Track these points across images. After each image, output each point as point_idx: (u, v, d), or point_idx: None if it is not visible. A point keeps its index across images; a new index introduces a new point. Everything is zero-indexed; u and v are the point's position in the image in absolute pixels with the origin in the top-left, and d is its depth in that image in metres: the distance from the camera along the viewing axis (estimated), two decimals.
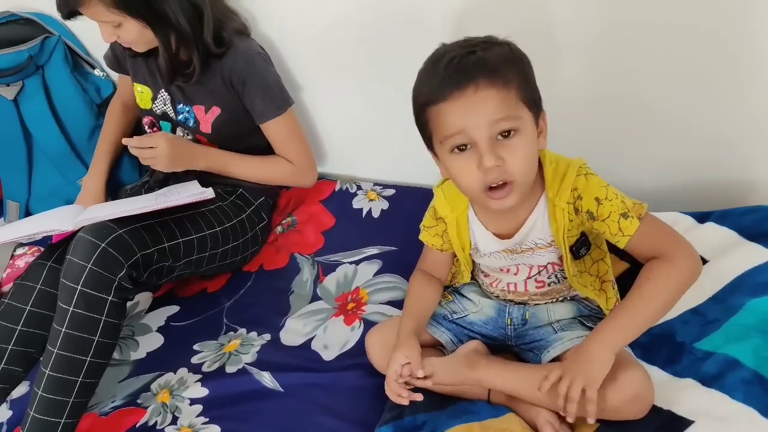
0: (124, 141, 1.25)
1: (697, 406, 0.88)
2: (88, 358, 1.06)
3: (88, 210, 1.21)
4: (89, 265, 1.05)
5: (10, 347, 1.13)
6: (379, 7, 1.28)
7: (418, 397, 0.97)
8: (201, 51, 1.23)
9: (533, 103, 0.87)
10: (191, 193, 1.20)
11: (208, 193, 1.18)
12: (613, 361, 0.86)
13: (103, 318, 1.07)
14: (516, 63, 0.87)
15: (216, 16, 1.24)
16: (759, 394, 0.86)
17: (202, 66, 1.24)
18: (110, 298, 1.07)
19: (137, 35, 1.19)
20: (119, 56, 1.39)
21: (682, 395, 0.89)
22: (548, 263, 1.00)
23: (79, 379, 1.05)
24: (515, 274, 1.03)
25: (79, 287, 1.05)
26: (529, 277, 1.03)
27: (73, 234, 1.12)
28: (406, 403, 0.97)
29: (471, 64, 0.83)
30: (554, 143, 0.94)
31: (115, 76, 1.54)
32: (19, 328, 1.13)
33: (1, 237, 1.23)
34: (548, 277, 1.02)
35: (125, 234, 1.09)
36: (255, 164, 1.35)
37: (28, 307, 1.14)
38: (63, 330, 1.05)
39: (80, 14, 1.17)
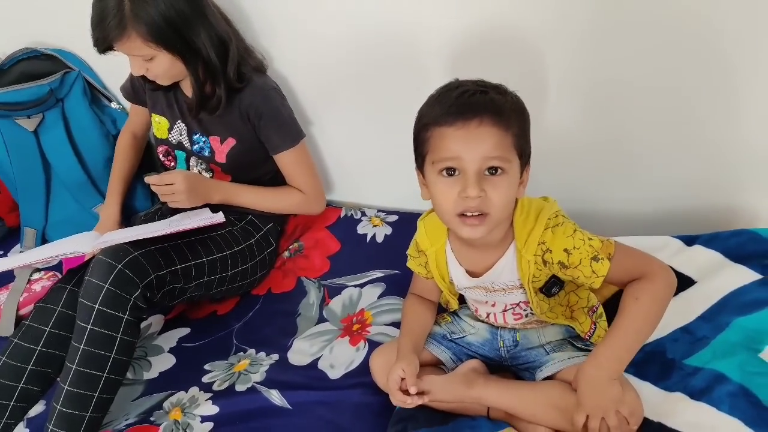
0: (146, 179, 1.31)
1: (686, 418, 0.92)
2: (105, 374, 1.11)
3: (105, 235, 1.26)
4: (106, 285, 1.11)
5: (29, 367, 1.17)
6: (380, 47, 1.36)
7: (422, 399, 1.01)
8: (225, 84, 1.30)
9: (524, 153, 0.93)
10: (202, 217, 1.26)
11: (218, 217, 1.24)
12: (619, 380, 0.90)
13: (119, 336, 1.12)
14: (519, 114, 0.93)
15: (239, 52, 1.32)
16: (744, 407, 0.90)
17: (227, 99, 1.31)
18: (126, 316, 1.12)
19: (167, 68, 1.26)
20: (137, 87, 1.46)
21: (672, 408, 0.94)
22: (519, 302, 1.06)
23: (96, 394, 1.10)
24: (492, 306, 1.09)
25: (96, 306, 1.10)
26: (505, 311, 1.08)
27: (89, 260, 1.17)
28: (410, 403, 1.01)
29: (481, 101, 0.89)
30: (550, 173, 1.00)
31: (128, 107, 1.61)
32: (38, 348, 1.18)
33: (19, 262, 1.29)
34: (523, 311, 1.08)
35: (140, 256, 1.15)
36: (268, 195, 1.41)
37: (48, 329, 1.19)
38: (81, 347, 1.10)
39: (113, 49, 1.23)
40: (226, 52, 1.29)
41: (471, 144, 0.89)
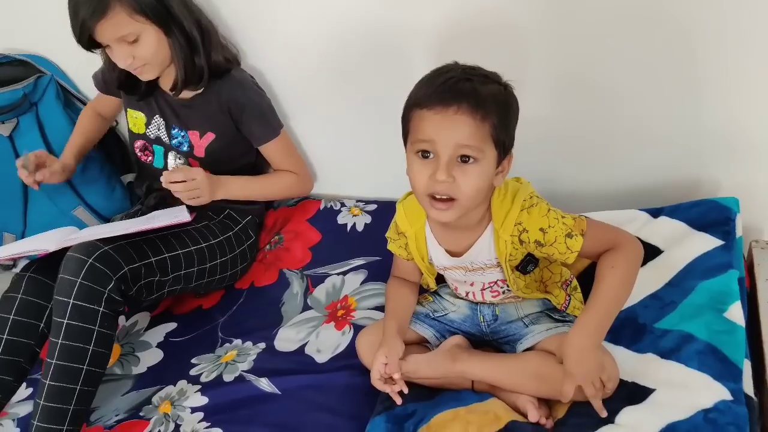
0: (165, 177, 1.28)
1: (657, 376, 0.97)
2: (85, 366, 1.12)
3: (74, 234, 1.27)
4: (79, 280, 1.13)
5: None
6: (354, 39, 1.38)
7: (403, 388, 1.06)
8: (206, 58, 1.31)
9: (502, 145, 0.95)
10: (172, 216, 1.27)
11: (183, 216, 1.25)
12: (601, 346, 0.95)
13: (96, 328, 1.13)
14: (502, 105, 0.94)
15: (216, 41, 1.35)
16: (711, 362, 0.96)
17: (209, 75, 1.32)
18: (101, 309, 1.14)
19: (155, 48, 1.26)
20: (108, 80, 1.45)
21: (645, 368, 0.99)
22: (497, 280, 1.10)
23: (78, 387, 1.12)
24: (471, 285, 1.13)
25: (71, 300, 1.12)
26: (483, 289, 1.12)
27: (61, 253, 1.18)
28: (390, 390, 1.06)
29: (462, 89, 0.91)
30: (527, 155, 1.03)
31: None
32: (5, 337, 1.19)
33: None
34: (500, 288, 1.12)
35: (111, 250, 1.17)
36: (266, 183, 1.45)
37: (11, 316, 1.20)
38: (59, 341, 1.12)
39: (98, 46, 1.23)
40: (202, 31, 1.32)
41: (445, 130, 0.92)
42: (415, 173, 0.96)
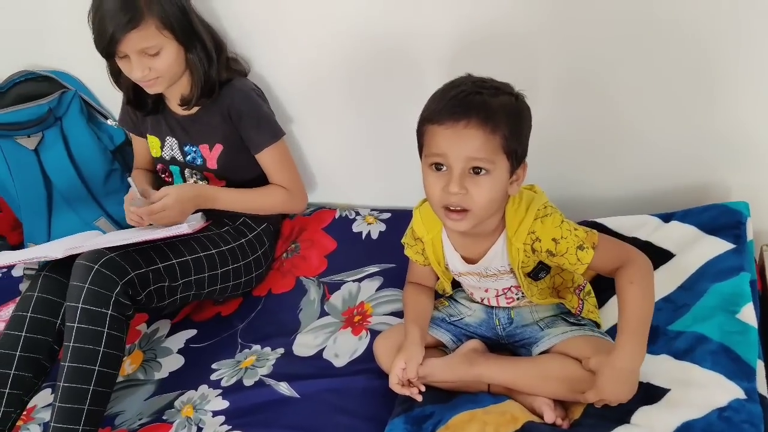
0: (133, 222, 1.32)
1: (672, 376, 0.99)
2: (97, 368, 1.16)
3: (83, 242, 1.30)
4: (86, 285, 1.17)
5: (17, 353, 1.22)
6: (366, 47, 1.42)
7: (418, 397, 1.08)
8: (217, 72, 1.36)
9: (514, 155, 0.96)
10: (172, 227, 1.29)
11: (183, 229, 1.27)
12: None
13: (106, 330, 1.17)
14: (513, 116, 0.96)
15: (225, 55, 1.40)
16: (725, 362, 0.97)
17: (221, 88, 1.37)
18: (110, 312, 1.18)
19: (172, 62, 1.30)
20: (134, 119, 1.50)
21: (659, 369, 1.00)
22: (511, 286, 1.12)
23: (91, 387, 1.15)
24: (486, 291, 1.15)
25: (80, 305, 1.16)
26: (498, 295, 1.14)
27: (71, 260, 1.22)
28: (407, 393, 1.08)
29: (472, 103, 0.93)
30: (537, 161, 1.06)
31: None
32: (23, 334, 1.23)
33: (1, 260, 1.34)
34: (514, 294, 1.14)
35: (117, 257, 1.21)
36: (252, 195, 1.44)
37: (29, 314, 1.24)
38: (71, 344, 1.16)
39: (115, 53, 1.27)
40: (216, 46, 1.37)
41: (456, 144, 0.94)
42: (430, 185, 0.99)
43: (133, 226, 1.37)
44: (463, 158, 0.94)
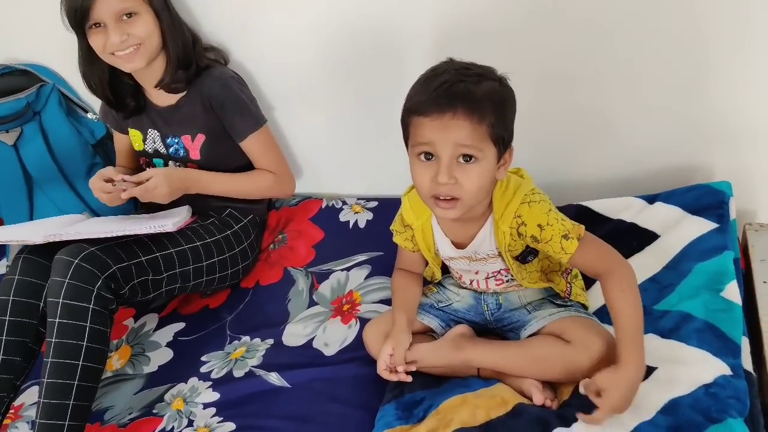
0: (117, 182, 1.30)
1: (658, 354, 1.00)
2: (80, 362, 1.15)
3: (61, 229, 1.29)
4: (67, 280, 1.16)
5: (3, 338, 1.21)
6: (351, 37, 1.41)
7: (407, 378, 1.08)
8: (196, 52, 1.36)
9: (501, 140, 0.96)
10: (159, 223, 1.27)
11: (168, 227, 1.26)
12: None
13: (88, 324, 1.16)
14: (498, 102, 0.95)
15: (201, 44, 1.40)
16: (710, 339, 0.99)
17: (197, 72, 1.36)
18: (91, 306, 1.17)
19: (150, 29, 1.29)
20: (116, 116, 1.48)
21: (646, 348, 1.00)
22: (500, 269, 1.13)
23: (75, 382, 1.14)
24: (476, 273, 1.15)
25: (61, 300, 1.15)
26: (487, 278, 1.15)
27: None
28: (395, 379, 1.08)
29: (457, 93, 0.93)
30: (522, 145, 1.05)
31: None
32: (6, 318, 1.22)
33: None
34: (504, 277, 1.14)
35: (98, 251, 1.20)
36: (240, 180, 1.43)
37: (11, 298, 1.23)
38: (54, 340, 1.15)
39: (88, 23, 1.24)
40: (191, 31, 1.38)
41: (444, 134, 0.94)
42: (418, 175, 0.99)
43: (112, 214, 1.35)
44: (450, 147, 0.94)
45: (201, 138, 1.41)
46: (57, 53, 1.62)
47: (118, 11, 1.25)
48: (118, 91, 1.40)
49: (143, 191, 1.31)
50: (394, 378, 1.09)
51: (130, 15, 1.27)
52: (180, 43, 1.34)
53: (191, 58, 1.36)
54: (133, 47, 1.29)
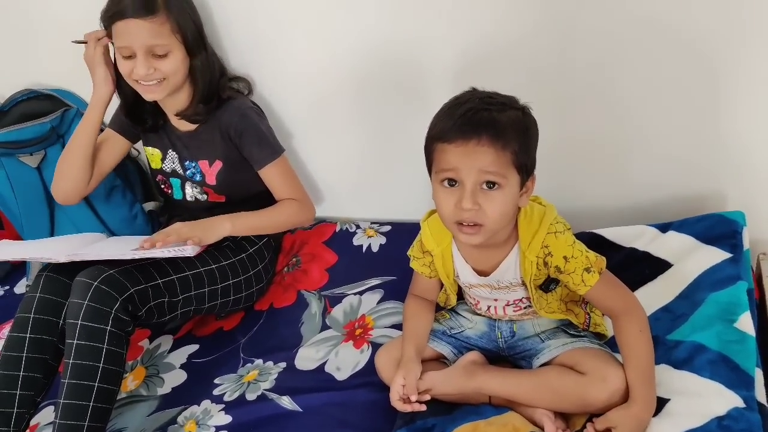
0: (148, 249, 1.27)
1: (671, 386, 0.99)
2: (96, 384, 1.16)
3: (82, 249, 1.32)
4: (86, 302, 1.18)
5: (24, 355, 1.24)
6: (366, 63, 1.44)
7: (421, 408, 1.08)
8: (219, 88, 1.39)
9: (524, 168, 0.98)
10: (179, 249, 1.28)
11: (187, 251, 1.27)
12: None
13: (105, 346, 1.18)
14: (522, 130, 0.97)
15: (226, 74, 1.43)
16: (723, 371, 0.98)
17: (217, 104, 1.39)
18: (109, 328, 1.19)
19: (177, 67, 1.32)
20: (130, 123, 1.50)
21: (659, 379, 1.00)
22: (522, 297, 1.13)
23: (91, 404, 1.15)
24: (495, 300, 1.15)
25: (79, 322, 1.17)
26: (507, 305, 1.15)
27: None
28: (409, 409, 1.09)
29: (482, 121, 0.95)
30: (538, 174, 1.05)
31: None
32: (27, 335, 1.25)
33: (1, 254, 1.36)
34: (522, 304, 1.14)
35: (116, 273, 1.22)
36: (268, 214, 1.44)
37: (32, 315, 1.26)
38: (71, 361, 1.17)
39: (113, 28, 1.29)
40: (219, 64, 1.41)
41: (468, 161, 0.95)
42: (442, 201, 1.00)
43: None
44: (475, 173, 0.95)
45: (218, 164, 1.44)
46: (81, 78, 1.65)
47: (149, 46, 1.29)
48: (140, 108, 1.43)
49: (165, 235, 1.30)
50: (408, 408, 1.09)
51: (161, 53, 1.30)
52: (208, 80, 1.38)
53: (215, 93, 1.40)
54: (157, 81, 1.32)
